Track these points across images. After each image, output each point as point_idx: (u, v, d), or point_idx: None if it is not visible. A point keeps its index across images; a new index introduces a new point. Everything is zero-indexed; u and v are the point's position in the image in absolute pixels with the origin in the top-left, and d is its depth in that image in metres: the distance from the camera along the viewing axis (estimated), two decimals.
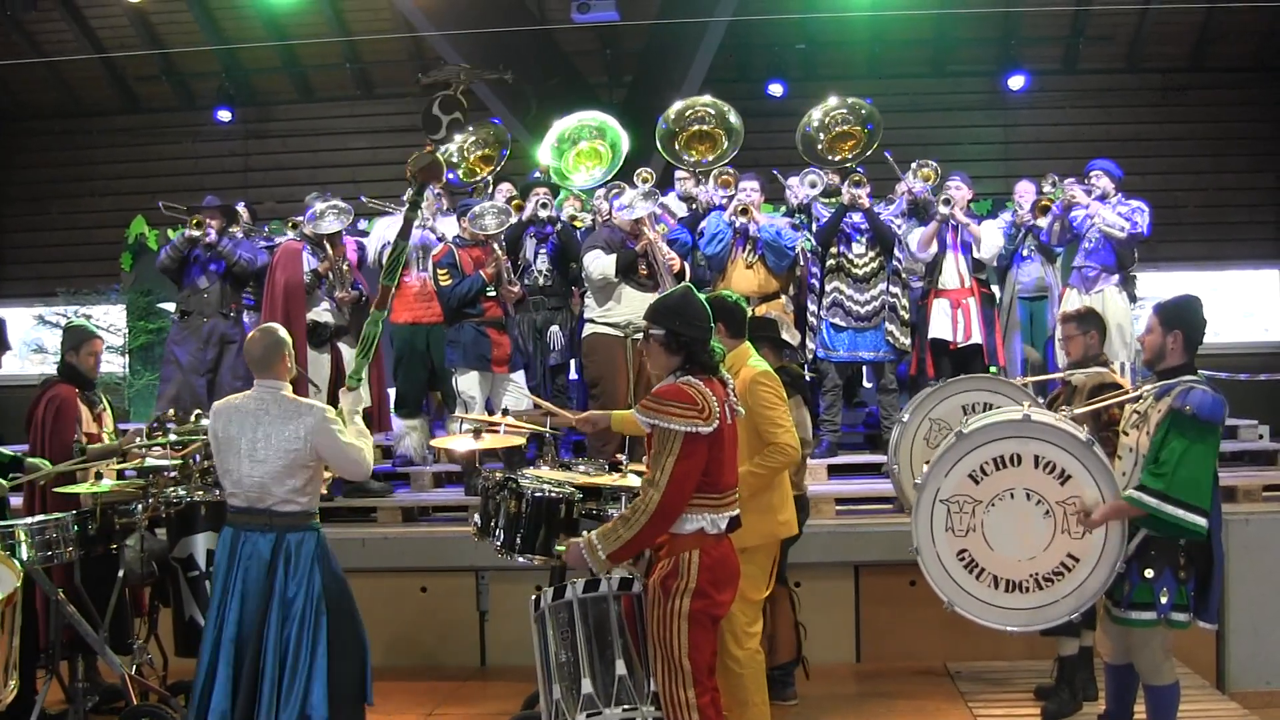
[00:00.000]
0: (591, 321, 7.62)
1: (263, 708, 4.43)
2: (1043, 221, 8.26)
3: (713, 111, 8.74)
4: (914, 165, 8.48)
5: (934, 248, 7.97)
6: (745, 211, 7.65)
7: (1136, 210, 7.88)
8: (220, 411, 4.66)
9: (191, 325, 8.22)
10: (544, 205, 8.00)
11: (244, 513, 4.58)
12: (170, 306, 10.31)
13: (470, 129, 9.12)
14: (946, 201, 7.90)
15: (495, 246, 7.52)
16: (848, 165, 8.31)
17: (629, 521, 3.88)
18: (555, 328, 8.03)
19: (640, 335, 7.05)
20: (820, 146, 8.48)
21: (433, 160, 5.01)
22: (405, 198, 5.04)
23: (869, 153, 8.36)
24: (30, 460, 5.60)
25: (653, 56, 11.22)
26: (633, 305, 7.32)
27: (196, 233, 8.08)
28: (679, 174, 8.96)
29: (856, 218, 7.94)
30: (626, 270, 7.44)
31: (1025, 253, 8.44)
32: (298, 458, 4.52)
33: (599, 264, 7.44)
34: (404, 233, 5.02)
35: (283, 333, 4.74)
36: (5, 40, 11.97)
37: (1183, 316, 4.61)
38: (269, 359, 4.64)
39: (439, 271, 7.44)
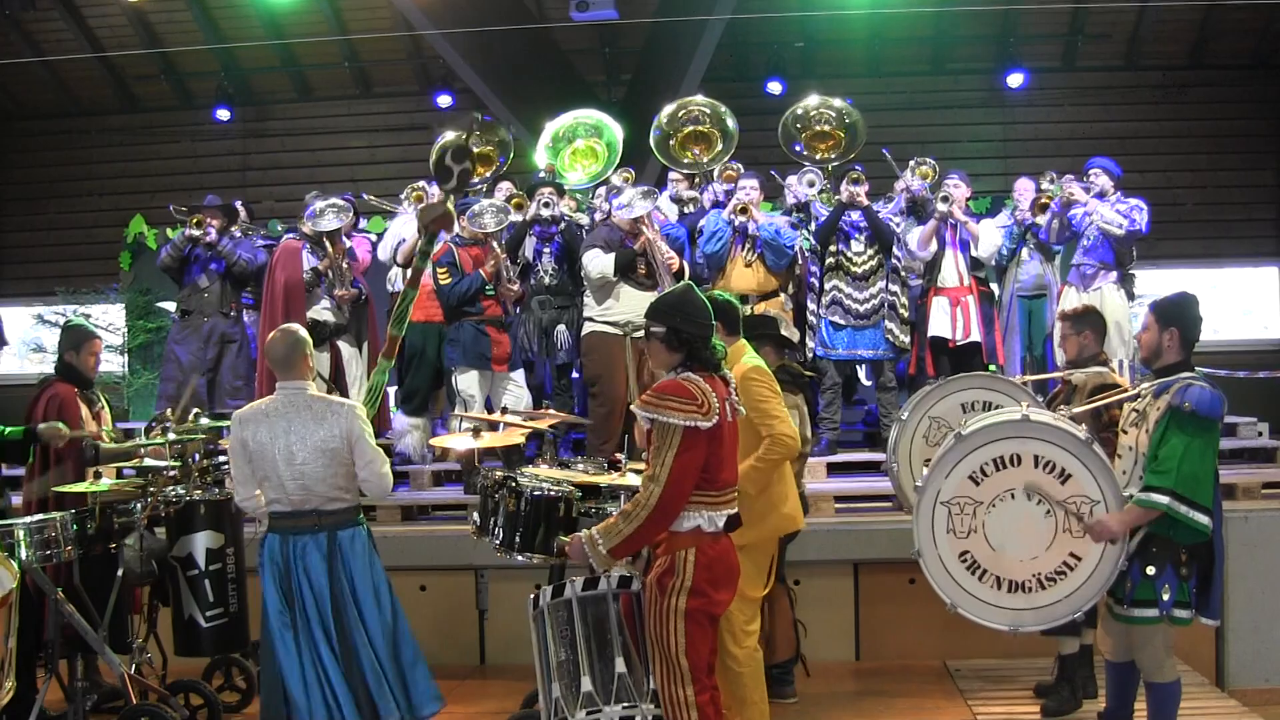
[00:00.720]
0: (591, 320, 7.61)
1: (382, 707, 4.48)
2: (1041, 219, 8.27)
3: (707, 111, 8.75)
4: (912, 163, 8.50)
5: (933, 246, 7.98)
6: (744, 210, 7.65)
7: (1135, 208, 7.88)
8: (247, 419, 4.64)
9: (192, 324, 8.22)
10: (547, 204, 7.99)
11: (289, 517, 4.59)
12: (169, 305, 10.32)
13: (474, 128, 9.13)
14: (945, 199, 7.90)
15: (494, 245, 7.51)
16: (820, 164, 8.37)
17: (630, 517, 3.88)
18: (562, 327, 8.01)
19: (640, 334, 7.09)
20: (798, 144, 8.53)
21: (444, 211, 5.03)
22: (417, 247, 5.08)
23: (842, 161, 8.40)
24: (44, 425, 5.56)
25: (651, 55, 11.22)
26: (632, 304, 7.32)
27: (196, 232, 8.07)
28: (672, 175, 8.96)
29: (855, 216, 7.95)
30: (625, 269, 7.43)
31: (1025, 252, 8.44)
32: (337, 454, 4.55)
33: (597, 263, 7.44)
34: (413, 281, 5.04)
35: (303, 332, 4.76)
36: (3, 40, 11.96)
37: (1178, 314, 4.61)
38: (292, 359, 4.66)
39: (438, 270, 7.44)
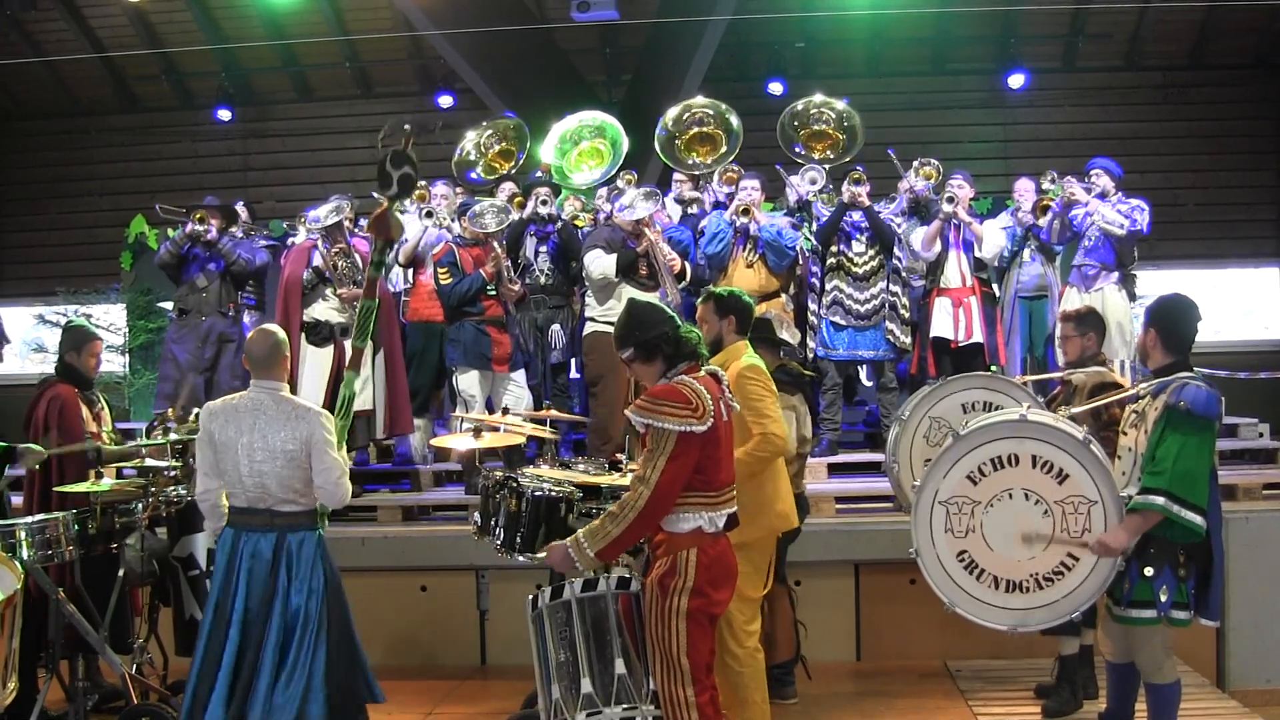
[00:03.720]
0: (592, 320, 7.62)
1: (257, 707, 4.43)
2: (1043, 221, 8.26)
3: (711, 112, 8.73)
4: (915, 164, 8.48)
5: (937, 246, 7.97)
6: (746, 211, 7.64)
7: (1136, 208, 7.88)
8: (216, 412, 4.66)
9: (190, 324, 8.22)
10: (544, 203, 8.00)
11: (244, 513, 4.60)
12: (170, 305, 10.31)
13: (485, 124, 9.13)
14: (950, 200, 7.90)
15: (495, 245, 7.51)
16: (823, 162, 8.33)
17: (617, 518, 3.89)
18: (556, 326, 8.03)
19: None
20: (797, 145, 8.49)
21: (386, 218, 5.01)
22: (370, 257, 5.10)
23: (840, 161, 8.35)
24: (23, 446, 5.59)
25: (652, 55, 11.22)
26: None
27: (200, 228, 8.06)
28: (676, 177, 8.96)
29: (856, 216, 7.94)
30: (627, 270, 7.43)
31: (1027, 253, 8.43)
32: (294, 458, 4.54)
33: (599, 264, 7.44)
34: (369, 292, 5.05)
35: (282, 334, 4.78)
36: (4, 40, 11.96)
37: (1159, 315, 4.61)
38: (271, 359, 4.68)
39: (439, 270, 7.45)
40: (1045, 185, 8.37)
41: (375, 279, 5.09)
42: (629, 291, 7.39)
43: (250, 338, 4.79)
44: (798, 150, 8.48)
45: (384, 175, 4.95)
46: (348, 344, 7.67)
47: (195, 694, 4.49)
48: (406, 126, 5.09)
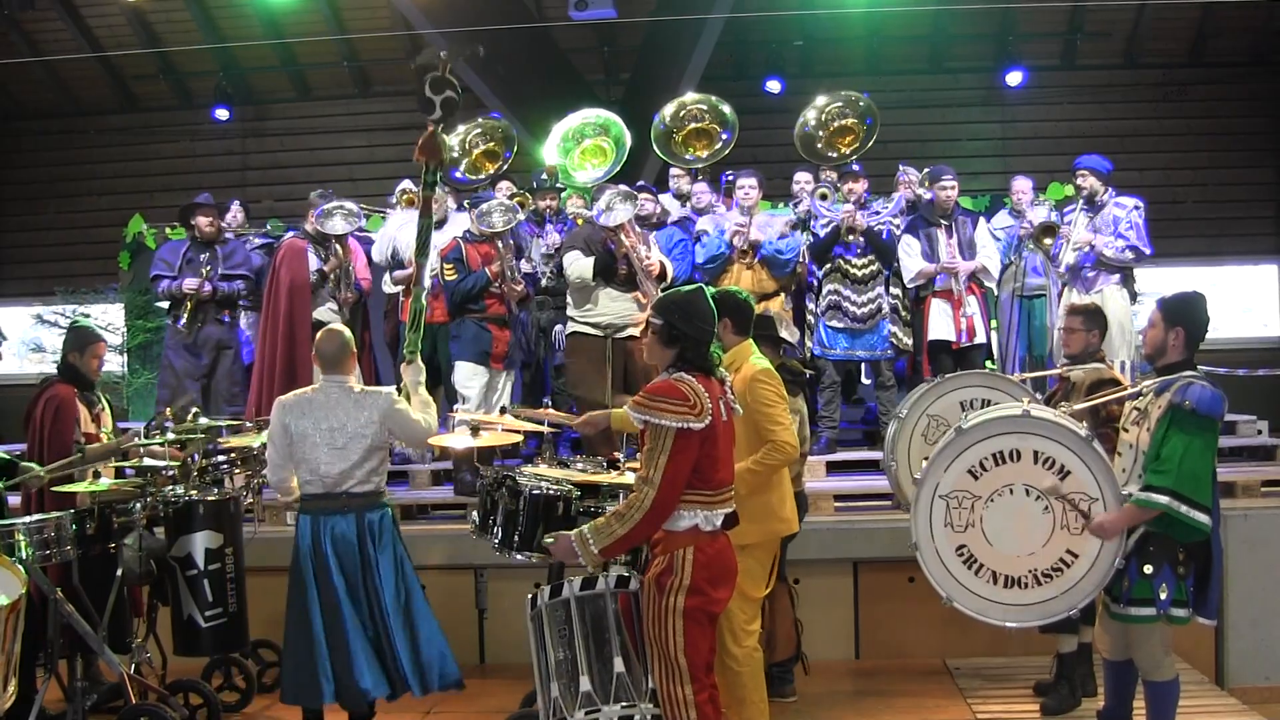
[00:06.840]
0: (572, 320, 7.56)
1: (405, 669, 4.89)
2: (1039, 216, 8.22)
3: (705, 107, 8.70)
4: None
5: (921, 280, 7.95)
6: (745, 253, 7.66)
7: (1131, 226, 7.76)
8: (290, 406, 5.05)
9: (187, 331, 8.20)
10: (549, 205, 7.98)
11: (322, 498, 4.99)
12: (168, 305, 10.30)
13: (471, 123, 9.11)
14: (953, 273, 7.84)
15: (499, 244, 7.49)
16: (847, 160, 8.25)
17: (623, 518, 3.88)
18: (560, 326, 8.01)
19: (620, 335, 7.02)
20: (819, 144, 8.42)
21: (431, 141, 5.15)
22: (423, 178, 5.46)
23: (868, 146, 8.28)
24: (24, 464, 5.60)
25: (650, 54, 11.22)
26: (611, 307, 7.30)
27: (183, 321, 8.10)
28: (673, 171, 8.95)
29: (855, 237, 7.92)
30: (604, 273, 7.35)
31: (1025, 254, 8.38)
32: (374, 441, 4.99)
33: (577, 265, 7.33)
34: (425, 210, 5.35)
35: (349, 334, 5.21)
36: (2, 39, 11.97)
37: (1186, 313, 4.59)
38: (340, 357, 5.11)
39: (445, 266, 7.43)
40: (1048, 243, 8.22)
41: (429, 198, 5.42)
42: (607, 294, 7.35)
43: (320, 337, 5.19)
44: (832, 157, 8.37)
45: (426, 101, 5.17)
46: None
47: (335, 676, 4.83)
48: (442, 53, 5.28)
